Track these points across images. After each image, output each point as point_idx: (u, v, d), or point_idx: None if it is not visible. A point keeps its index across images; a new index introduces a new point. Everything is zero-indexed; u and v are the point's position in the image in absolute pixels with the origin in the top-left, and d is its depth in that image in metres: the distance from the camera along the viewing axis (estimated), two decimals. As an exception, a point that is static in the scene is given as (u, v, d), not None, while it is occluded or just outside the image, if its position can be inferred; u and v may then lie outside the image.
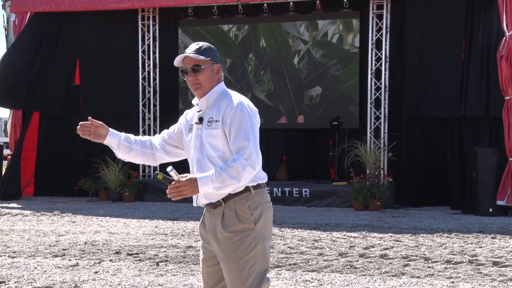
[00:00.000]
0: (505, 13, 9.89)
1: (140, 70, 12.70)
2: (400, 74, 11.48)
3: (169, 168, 3.15)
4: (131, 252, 7.17)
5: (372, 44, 11.38)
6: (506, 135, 9.92)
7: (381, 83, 11.37)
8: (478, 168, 9.98)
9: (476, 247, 7.32)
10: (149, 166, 12.75)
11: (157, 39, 12.76)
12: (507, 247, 7.35)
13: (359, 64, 11.86)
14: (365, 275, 6.13)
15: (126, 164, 12.24)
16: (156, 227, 9.10)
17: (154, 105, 12.86)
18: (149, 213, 10.51)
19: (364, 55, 11.60)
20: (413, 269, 6.31)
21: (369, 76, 11.42)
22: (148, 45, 12.71)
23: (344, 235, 8.19)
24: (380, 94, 11.38)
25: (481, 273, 6.11)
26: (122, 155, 3.59)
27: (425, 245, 7.48)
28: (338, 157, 11.57)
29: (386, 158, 11.21)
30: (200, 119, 3.39)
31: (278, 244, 7.61)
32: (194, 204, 3.43)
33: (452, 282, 5.80)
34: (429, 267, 6.38)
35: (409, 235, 8.13)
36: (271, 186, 11.58)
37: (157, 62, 12.80)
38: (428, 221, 9.34)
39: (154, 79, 12.83)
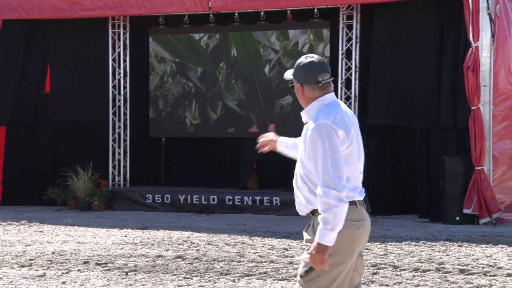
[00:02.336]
0: (471, 25, 10.06)
1: (110, 78, 12.63)
2: (369, 83, 11.59)
3: (297, 259, 3.49)
4: (99, 262, 7.11)
5: (342, 54, 11.48)
6: (472, 145, 10.08)
7: (351, 93, 11.48)
8: (446, 177, 10.11)
9: (443, 255, 7.41)
10: (119, 175, 12.68)
11: (128, 47, 12.70)
12: (473, 255, 7.45)
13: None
14: (334, 283, 6.16)
15: (95, 173, 12.15)
16: (125, 236, 9.03)
17: (124, 114, 12.79)
18: (118, 222, 10.43)
19: (334, 64, 11.69)
20: (381, 277, 6.36)
21: (339, 85, 11.51)
22: (119, 53, 12.65)
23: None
24: (350, 103, 11.48)
25: (448, 280, 6.19)
26: (293, 155, 3.90)
27: (394, 253, 7.55)
28: (309, 166, 11.61)
29: (356, 167, 11.28)
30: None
31: (249, 253, 7.62)
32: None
33: (420, 290, 5.87)
34: (397, 275, 6.44)
35: (378, 243, 8.20)
36: (241, 194, 11.59)
37: (128, 71, 12.74)
38: (397, 229, 9.43)
39: (125, 87, 12.76)
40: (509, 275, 6.39)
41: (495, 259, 7.18)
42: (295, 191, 3.55)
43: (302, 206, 3.55)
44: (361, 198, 3.47)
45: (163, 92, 13.02)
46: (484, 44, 10.09)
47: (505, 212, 10.16)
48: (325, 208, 3.26)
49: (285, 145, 3.91)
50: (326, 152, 3.29)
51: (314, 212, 3.46)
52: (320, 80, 3.47)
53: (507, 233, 9.13)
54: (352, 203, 3.40)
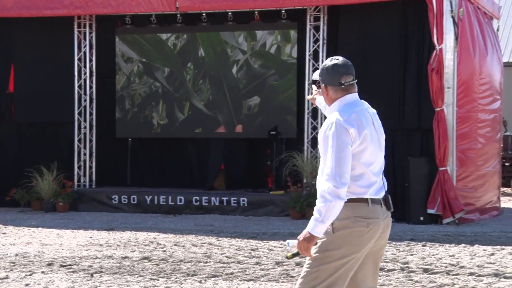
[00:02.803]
0: (435, 27, 10.21)
1: (76, 78, 12.49)
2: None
3: (286, 243, 3.61)
4: (64, 264, 7.03)
5: (309, 55, 11.55)
6: (436, 146, 10.23)
7: (318, 94, 11.54)
8: (410, 178, 10.24)
9: (408, 255, 7.50)
10: (85, 176, 12.55)
11: (94, 47, 12.58)
12: (437, 254, 7.56)
13: (297, 75, 12.01)
14: (300, 283, 6.19)
15: (60, 173, 12.00)
16: (91, 237, 8.95)
17: (90, 114, 12.67)
18: (83, 224, 10.32)
19: (302, 65, 11.76)
20: (347, 277, 6.42)
21: (306, 86, 11.57)
22: (85, 53, 12.52)
23: (281, 244, 8.25)
24: (317, 104, 11.55)
25: (412, 280, 6.27)
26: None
27: (360, 253, 7.62)
28: (276, 167, 11.67)
29: (322, 168, 11.36)
30: None
31: (216, 253, 7.61)
32: None
33: (385, 290, 5.94)
34: (363, 275, 6.50)
35: (344, 243, 8.27)
36: (208, 195, 11.58)
37: (94, 70, 12.63)
38: (363, 230, 9.51)
39: (91, 87, 12.64)
40: (471, 274, 6.51)
41: (457, 258, 7.30)
42: (317, 186, 3.61)
43: None
44: (377, 196, 3.53)
45: (130, 92, 12.93)
46: (448, 47, 10.24)
47: (467, 213, 10.34)
48: (321, 200, 3.38)
49: (323, 103, 3.93)
50: (333, 148, 3.42)
51: None
52: (343, 82, 3.60)
53: (469, 232, 9.28)
54: (363, 200, 3.48)
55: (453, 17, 10.15)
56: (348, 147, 3.44)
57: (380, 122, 3.70)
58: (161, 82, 12.77)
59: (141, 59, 12.85)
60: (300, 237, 3.42)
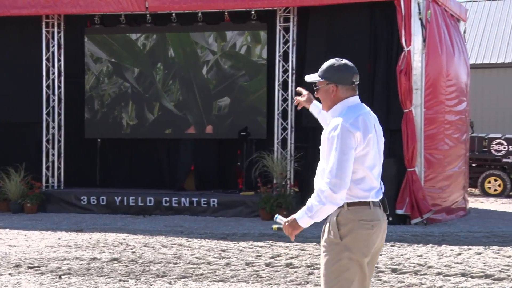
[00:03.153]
0: (403, 29, 10.33)
1: (44, 78, 12.35)
2: (305, 85, 11.71)
3: (275, 216, 3.62)
4: (32, 265, 6.95)
5: (279, 56, 11.59)
6: (405, 147, 10.34)
7: (288, 95, 11.59)
8: (379, 178, 10.33)
9: (377, 255, 7.57)
10: (53, 176, 12.42)
11: (62, 46, 12.46)
12: (405, 254, 7.65)
13: (267, 76, 12.04)
14: (270, 284, 6.23)
15: (28, 174, 11.86)
16: (59, 239, 8.86)
17: (59, 114, 12.54)
18: (52, 225, 10.21)
19: (271, 67, 11.79)
20: (317, 277, 6.46)
21: (276, 87, 11.61)
22: (53, 53, 12.38)
23: (251, 244, 8.27)
24: (287, 105, 11.60)
25: (380, 280, 6.34)
26: (321, 122, 4.03)
27: (329, 253, 7.67)
28: (246, 167, 11.69)
29: (292, 168, 11.43)
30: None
31: (185, 254, 7.60)
32: None
33: (354, 289, 5.99)
34: (332, 275, 6.55)
35: (314, 244, 8.31)
36: (178, 196, 11.54)
37: (62, 70, 12.50)
38: (332, 230, 9.57)
39: (59, 87, 12.51)
40: (438, 273, 6.60)
41: (425, 258, 7.39)
42: (315, 186, 3.61)
43: None
44: (377, 199, 3.55)
45: (99, 93, 12.83)
46: (416, 48, 10.36)
47: (434, 213, 10.47)
48: (316, 199, 3.43)
49: (318, 109, 3.98)
50: (336, 151, 3.42)
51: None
52: (354, 81, 3.62)
53: (437, 232, 9.41)
54: (365, 203, 3.50)
55: (421, 19, 10.28)
56: (352, 151, 3.44)
57: (380, 127, 3.70)
58: (131, 83, 12.70)
59: (111, 59, 12.76)
60: (287, 221, 3.52)
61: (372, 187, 3.52)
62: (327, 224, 3.54)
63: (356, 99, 3.62)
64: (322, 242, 3.55)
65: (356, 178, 3.47)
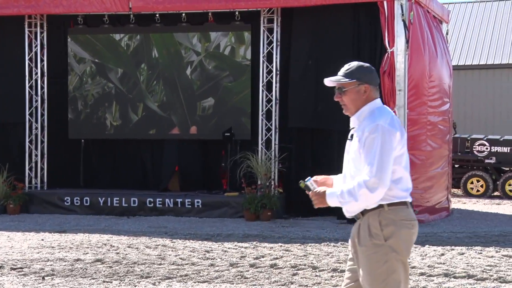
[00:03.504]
0: (386, 31, 10.39)
1: (27, 78, 12.28)
2: (289, 86, 11.75)
3: (307, 179, 3.60)
4: (14, 267, 6.91)
5: (263, 57, 11.60)
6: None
7: (272, 95, 11.61)
8: (363, 179, 10.37)
9: (361, 255, 7.61)
10: (36, 177, 12.34)
11: (45, 46, 12.38)
12: (389, 254, 7.69)
13: (251, 76, 12.05)
14: (255, 285, 6.24)
15: (11, 175, 11.77)
16: (42, 240, 8.80)
17: (42, 114, 12.46)
18: (35, 226, 10.14)
19: (256, 67, 11.81)
20: (301, 278, 6.48)
21: (260, 88, 11.63)
22: (36, 53, 12.31)
23: (235, 245, 8.28)
24: (271, 106, 11.62)
25: (364, 279, 6.36)
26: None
27: (313, 254, 7.70)
28: (230, 168, 11.69)
29: (276, 169, 11.44)
30: (351, 136, 3.60)
31: (170, 255, 7.59)
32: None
33: (338, 289, 6.02)
34: (316, 275, 6.58)
35: (298, 244, 8.34)
36: (163, 197, 11.52)
37: (45, 71, 12.42)
38: (316, 231, 9.61)
39: (42, 87, 12.43)
40: (422, 274, 6.64)
41: (408, 258, 7.42)
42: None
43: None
44: (411, 200, 3.58)
45: (82, 93, 12.77)
46: (399, 50, 10.42)
47: (417, 213, 10.54)
48: (351, 192, 3.41)
49: (341, 180, 3.71)
50: (377, 152, 3.41)
51: (364, 212, 3.52)
52: (379, 82, 3.70)
53: (420, 233, 9.39)
54: (404, 203, 3.52)
55: (404, 21, 10.34)
56: (393, 151, 3.45)
57: None
58: (114, 83, 12.65)
59: (94, 59, 12.70)
60: (319, 190, 3.52)
61: (408, 187, 3.55)
62: (365, 226, 3.49)
63: (380, 100, 3.64)
64: (362, 245, 3.50)
65: (395, 178, 3.48)
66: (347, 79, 3.58)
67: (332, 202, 3.50)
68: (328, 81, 3.66)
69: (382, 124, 3.45)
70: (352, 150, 3.56)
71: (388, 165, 3.42)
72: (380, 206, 3.47)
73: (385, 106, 3.64)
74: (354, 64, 3.63)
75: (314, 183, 3.60)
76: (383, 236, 3.45)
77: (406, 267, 3.50)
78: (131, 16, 12.06)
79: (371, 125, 3.46)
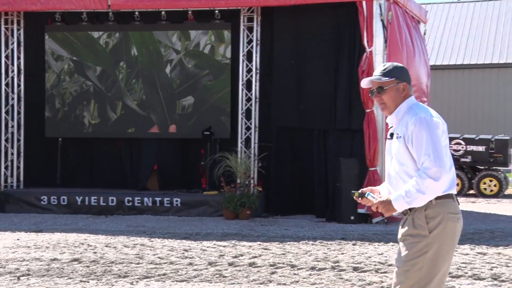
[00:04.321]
0: (365, 30, 10.44)
1: (3, 75, 12.14)
2: (270, 85, 11.77)
3: (366, 193, 3.65)
4: (-10, 267, 6.82)
5: (243, 56, 11.59)
6: (366, 146, 10.45)
7: (252, 94, 11.60)
8: (342, 178, 10.43)
9: (339, 254, 7.64)
10: (12, 176, 12.21)
11: (22, 44, 12.25)
12: (366, 253, 7.73)
13: (231, 75, 12.04)
14: (233, 283, 6.23)
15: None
16: (18, 239, 8.71)
17: (18, 113, 12.33)
18: (10, 225, 10.03)
19: (236, 66, 11.79)
20: (280, 276, 6.49)
21: (240, 87, 11.62)
22: (12, 50, 12.18)
23: (214, 244, 8.26)
24: (251, 105, 11.61)
25: (342, 278, 6.40)
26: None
27: (292, 252, 7.71)
28: (210, 167, 11.66)
29: (256, 168, 11.44)
30: (391, 135, 3.67)
31: (148, 254, 7.55)
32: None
33: (316, 288, 6.03)
34: (294, 274, 6.59)
35: (277, 243, 8.35)
36: (141, 196, 11.45)
37: (22, 68, 12.29)
38: (295, 229, 9.63)
39: (19, 85, 12.30)
40: (399, 271, 6.68)
41: (386, 256, 7.48)
42: (391, 190, 3.63)
43: None
44: (455, 192, 3.61)
45: (60, 91, 12.66)
46: (377, 49, 10.48)
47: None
48: (416, 187, 3.43)
49: (387, 190, 3.76)
50: (429, 140, 3.46)
51: (411, 208, 3.54)
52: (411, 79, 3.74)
53: (395, 231, 9.51)
54: (450, 196, 3.55)
55: (382, 21, 10.40)
56: (441, 140, 3.51)
57: None
58: (93, 81, 12.56)
59: (72, 57, 12.60)
60: (383, 199, 3.55)
61: (453, 177, 3.58)
62: (411, 217, 3.54)
63: (414, 97, 3.72)
64: (405, 234, 3.55)
65: None
66: (387, 78, 3.64)
67: (399, 206, 3.51)
68: (367, 82, 3.70)
69: (426, 117, 3.53)
70: (394, 148, 3.62)
71: (443, 152, 3.48)
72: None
73: (420, 102, 3.72)
74: (389, 64, 3.73)
75: (372, 194, 3.64)
76: (427, 228, 3.50)
77: (448, 260, 3.54)
78: (110, 13, 11.97)
79: (414, 118, 3.54)
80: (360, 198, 3.64)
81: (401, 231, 3.61)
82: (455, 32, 26.36)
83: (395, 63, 3.73)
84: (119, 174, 12.77)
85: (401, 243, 3.58)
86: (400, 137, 3.56)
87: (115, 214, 11.30)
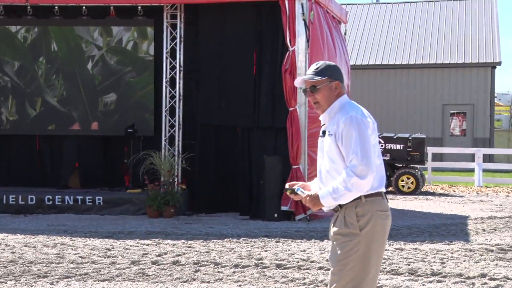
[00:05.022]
0: (288, 29, 10.59)
1: None
2: (194, 83, 11.76)
3: (296, 188, 3.72)
4: None
5: (166, 53, 11.53)
6: (290, 144, 10.61)
7: (175, 92, 11.56)
8: (265, 176, 10.55)
9: (262, 251, 7.74)
10: None
11: None
12: (289, 250, 7.87)
13: (154, 72, 11.95)
14: (157, 282, 6.21)
15: None
16: None
17: None
18: None
19: (159, 63, 11.72)
20: (203, 274, 6.52)
21: (164, 84, 11.55)
22: None
23: (138, 242, 8.20)
24: (175, 102, 11.57)
25: (265, 275, 6.49)
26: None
27: (216, 250, 7.76)
28: (133, 165, 11.54)
29: (180, 166, 11.41)
30: (323, 133, 3.72)
31: (69, 254, 7.42)
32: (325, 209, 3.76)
33: (240, 286, 6.10)
34: (218, 271, 6.63)
35: (201, 241, 8.37)
36: (62, 194, 11.21)
37: None
38: (219, 227, 9.68)
39: None
40: (320, 268, 6.84)
41: (308, 253, 7.63)
42: (321, 186, 3.66)
43: None
44: (384, 190, 3.66)
45: (-24, 86, 12.22)
46: (300, 48, 10.64)
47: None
48: (343, 185, 3.52)
49: (318, 186, 3.81)
50: (357, 140, 3.53)
51: (342, 205, 3.60)
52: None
53: (320, 228, 9.73)
54: (379, 194, 3.61)
55: (304, 20, 10.57)
56: (370, 140, 3.57)
57: None
58: (11, 77, 12.19)
59: (-12, 51, 12.18)
60: (310, 195, 3.63)
61: (382, 176, 3.66)
62: (342, 215, 3.61)
63: (347, 96, 3.79)
64: (336, 233, 3.61)
65: None
66: (320, 77, 3.70)
67: (326, 202, 3.60)
68: (300, 81, 3.76)
69: (355, 115, 3.60)
70: (325, 145, 3.68)
71: (370, 151, 3.56)
72: (358, 197, 3.59)
73: (352, 101, 3.80)
74: (322, 63, 3.78)
75: (302, 189, 3.71)
76: (358, 226, 3.58)
77: (379, 257, 3.64)
78: (28, 7, 11.63)
79: (344, 117, 3.60)
80: (293, 195, 3.72)
81: (332, 229, 3.70)
82: (374, 33, 27.09)
83: (328, 62, 3.81)
84: (39, 172, 12.46)
85: (333, 243, 3.68)
86: (332, 134, 3.65)
87: (35, 213, 11.01)
